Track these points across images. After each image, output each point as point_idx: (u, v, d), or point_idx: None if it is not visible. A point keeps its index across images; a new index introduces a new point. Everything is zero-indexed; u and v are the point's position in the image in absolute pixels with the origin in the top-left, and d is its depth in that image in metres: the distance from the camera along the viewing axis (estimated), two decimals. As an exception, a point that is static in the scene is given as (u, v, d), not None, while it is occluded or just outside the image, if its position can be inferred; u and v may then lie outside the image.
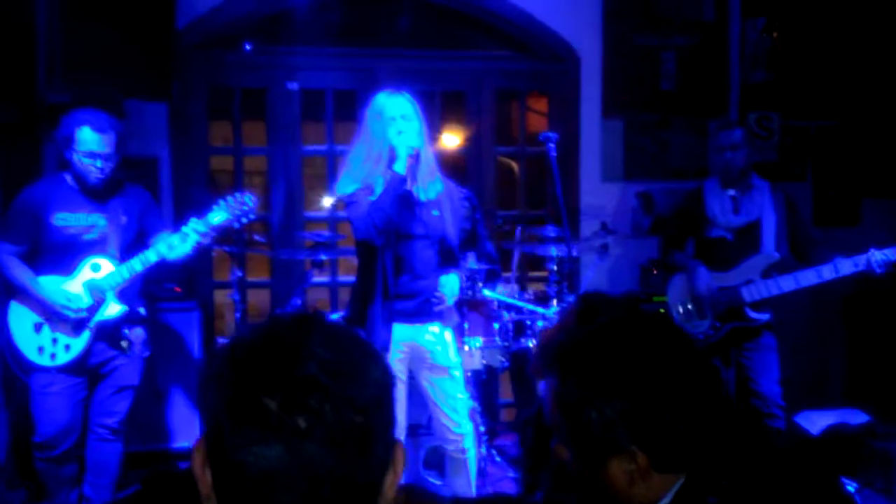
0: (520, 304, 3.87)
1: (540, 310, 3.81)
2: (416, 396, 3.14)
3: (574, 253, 3.76)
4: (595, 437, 1.09)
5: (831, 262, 3.43)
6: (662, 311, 3.98)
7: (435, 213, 2.94)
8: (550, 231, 3.97)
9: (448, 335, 3.03)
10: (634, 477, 1.08)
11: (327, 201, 4.76)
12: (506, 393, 4.76)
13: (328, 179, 4.80)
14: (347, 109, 4.75)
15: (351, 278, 4.85)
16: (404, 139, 2.79)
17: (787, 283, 3.50)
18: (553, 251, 3.85)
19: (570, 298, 3.75)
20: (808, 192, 4.97)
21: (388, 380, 0.84)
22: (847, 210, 4.98)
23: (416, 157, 2.79)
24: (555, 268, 3.86)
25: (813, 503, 1.23)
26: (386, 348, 2.86)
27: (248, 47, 4.54)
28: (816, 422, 3.83)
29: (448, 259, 2.99)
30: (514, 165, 5.28)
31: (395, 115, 2.84)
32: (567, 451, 1.13)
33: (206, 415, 0.81)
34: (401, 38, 4.82)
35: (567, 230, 3.27)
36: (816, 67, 4.86)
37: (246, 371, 0.78)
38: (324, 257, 3.69)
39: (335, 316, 3.92)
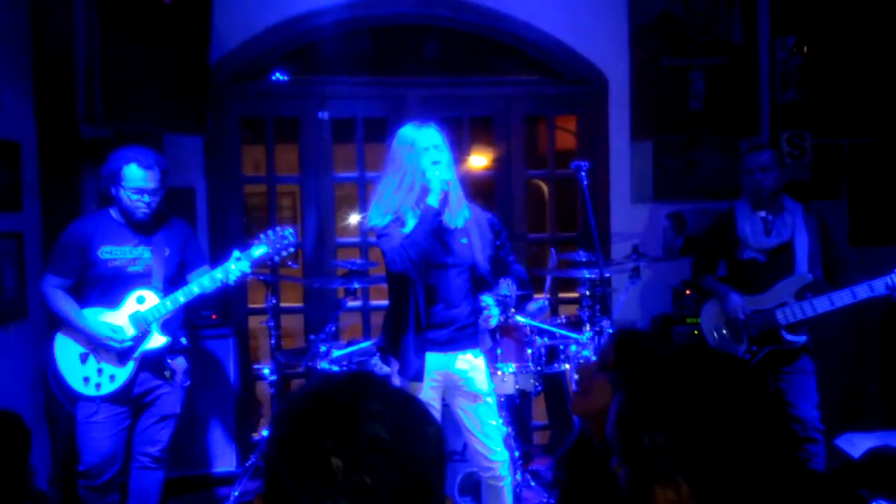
0: (552, 328, 3.88)
1: (573, 335, 3.82)
2: (451, 422, 3.15)
3: (606, 276, 3.76)
4: (645, 461, 1.11)
5: (866, 283, 3.39)
6: (696, 332, 3.96)
7: (464, 240, 2.95)
8: (581, 255, 3.98)
9: (481, 362, 3.03)
10: None
11: (354, 219, 4.82)
12: (539, 416, 4.75)
13: (360, 204, 4.87)
14: (378, 136, 4.82)
15: (382, 303, 4.91)
16: (439, 173, 2.82)
17: (821, 304, 3.46)
18: (585, 275, 3.85)
19: (603, 322, 3.75)
20: (843, 210, 4.91)
21: (441, 437, 0.87)
22: (883, 228, 4.92)
23: (441, 184, 2.82)
24: (587, 292, 3.86)
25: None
26: (420, 378, 2.87)
27: (279, 77, 4.63)
28: (857, 444, 3.76)
29: (479, 286, 2.99)
30: (545, 187, 5.30)
31: (428, 145, 2.87)
32: (622, 468, 1.15)
33: (269, 473, 0.84)
34: (429, 66, 4.88)
35: (599, 254, 3.27)
36: (848, 84, 4.82)
37: (310, 430, 0.81)
38: (356, 285, 3.74)
39: (366, 344, 3.96)
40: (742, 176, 3.73)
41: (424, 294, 2.87)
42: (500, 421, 3.55)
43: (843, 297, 3.43)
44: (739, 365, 1.20)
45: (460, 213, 2.96)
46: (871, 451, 3.60)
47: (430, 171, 2.84)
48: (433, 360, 2.91)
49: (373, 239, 3.00)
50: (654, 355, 1.77)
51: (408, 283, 2.87)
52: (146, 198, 3.11)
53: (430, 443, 0.84)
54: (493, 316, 2.90)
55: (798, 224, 3.61)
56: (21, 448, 1.49)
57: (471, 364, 2.98)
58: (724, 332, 3.67)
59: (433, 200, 2.81)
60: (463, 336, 2.95)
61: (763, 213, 3.64)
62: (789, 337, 3.55)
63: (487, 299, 2.91)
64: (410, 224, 2.86)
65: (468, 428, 3.02)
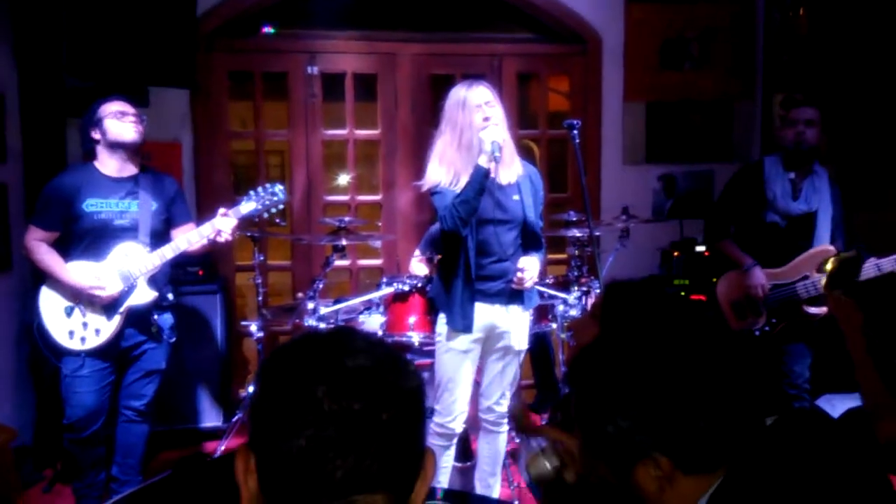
0: (540, 288, 3.87)
1: (561, 294, 3.82)
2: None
3: (595, 235, 3.74)
4: (617, 449, 1.10)
5: (891, 257, 3.20)
6: (682, 293, 3.96)
7: (515, 197, 2.99)
8: (571, 215, 3.97)
9: (526, 317, 3.08)
10: (662, 482, 1.08)
11: (343, 180, 4.78)
12: (526, 375, 4.78)
13: (348, 162, 4.82)
14: (368, 93, 4.76)
15: (370, 261, 4.91)
16: (491, 134, 2.84)
17: None
18: (575, 234, 3.84)
19: (592, 282, 3.75)
20: (834, 173, 4.90)
21: (422, 391, 0.88)
22: (872, 194, 4.92)
23: (501, 150, 2.85)
24: (576, 252, 3.86)
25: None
26: (469, 329, 2.94)
27: (268, 30, 4.54)
28: (837, 405, 3.83)
29: (531, 242, 3.04)
30: (535, 147, 5.26)
31: (480, 101, 2.92)
32: (600, 465, 1.14)
33: (254, 415, 0.84)
34: (421, 22, 4.80)
35: (589, 214, 3.26)
36: (844, 47, 4.78)
37: (294, 368, 0.83)
38: (344, 242, 3.71)
39: (354, 301, 3.95)
40: (782, 130, 3.54)
41: (475, 248, 2.92)
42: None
43: (867, 271, 3.21)
44: (675, 322, 1.19)
45: (512, 170, 3.00)
46: (849, 411, 3.66)
47: (484, 132, 2.86)
48: (481, 311, 2.97)
49: (428, 194, 3.03)
50: (639, 305, 1.77)
51: (459, 238, 2.91)
52: (130, 118, 3.09)
53: (411, 376, 0.86)
54: (525, 278, 2.93)
55: (823, 191, 3.47)
56: None
57: (516, 318, 3.03)
58: (743, 303, 3.52)
59: (483, 160, 2.84)
60: (512, 289, 2.99)
61: (793, 175, 3.47)
62: (812, 310, 3.42)
63: (526, 261, 2.94)
64: (463, 181, 2.89)
65: (491, 377, 3.09)
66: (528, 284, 2.97)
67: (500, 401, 3.11)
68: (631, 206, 4.11)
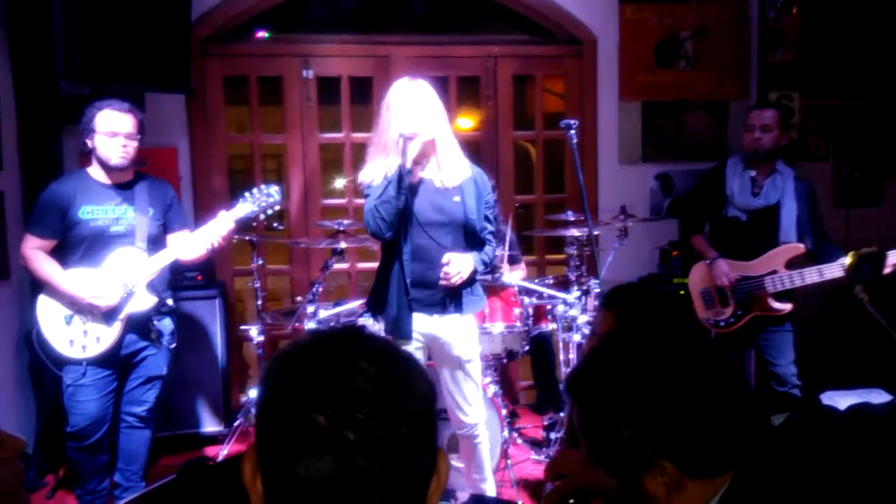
0: (540, 288, 3.88)
1: (560, 294, 3.82)
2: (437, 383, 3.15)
3: (594, 234, 3.75)
4: (623, 458, 1.10)
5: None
6: (682, 292, 3.98)
7: (456, 198, 2.90)
8: (569, 215, 3.97)
9: (468, 323, 2.98)
10: (670, 489, 1.08)
11: (340, 183, 4.77)
12: (526, 376, 4.79)
13: (344, 166, 4.82)
14: (364, 96, 4.76)
15: (369, 264, 4.90)
16: (399, 126, 2.77)
17: (811, 275, 3.47)
18: (574, 233, 3.85)
19: (591, 282, 3.76)
20: (829, 172, 4.93)
21: (432, 392, 0.86)
22: (869, 190, 4.94)
23: (410, 143, 2.74)
24: (574, 252, 3.86)
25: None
26: (407, 336, 2.85)
27: (262, 35, 4.54)
28: (839, 402, 3.83)
29: (473, 245, 2.94)
30: (531, 149, 5.27)
31: (402, 102, 2.81)
32: (608, 476, 1.13)
33: (258, 427, 0.83)
34: (416, 24, 4.80)
35: (587, 213, 3.26)
36: (838, 45, 4.80)
37: (295, 386, 0.81)
38: (342, 245, 3.71)
39: (353, 304, 3.95)
40: (742, 132, 3.68)
41: (409, 253, 2.84)
42: (487, 381, 3.56)
43: (833, 270, 3.44)
44: (673, 336, 1.18)
45: (453, 171, 2.90)
46: (851, 408, 3.67)
47: (394, 126, 2.79)
48: (419, 320, 2.89)
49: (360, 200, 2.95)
50: (641, 297, 1.78)
51: (392, 242, 2.83)
52: (121, 140, 3.03)
53: (415, 398, 0.83)
54: (450, 274, 2.79)
55: (787, 189, 3.59)
56: None
57: (456, 326, 2.93)
58: (711, 294, 3.69)
59: (401, 157, 2.76)
60: (449, 297, 2.89)
61: (753, 173, 3.63)
62: (776, 304, 3.57)
63: (455, 257, 2.82)
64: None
65: (448, 388, 3.01)
66: (454, 280, 2.81)
67: (465, 410, 3.00)
68: (628, 205, 4.12)
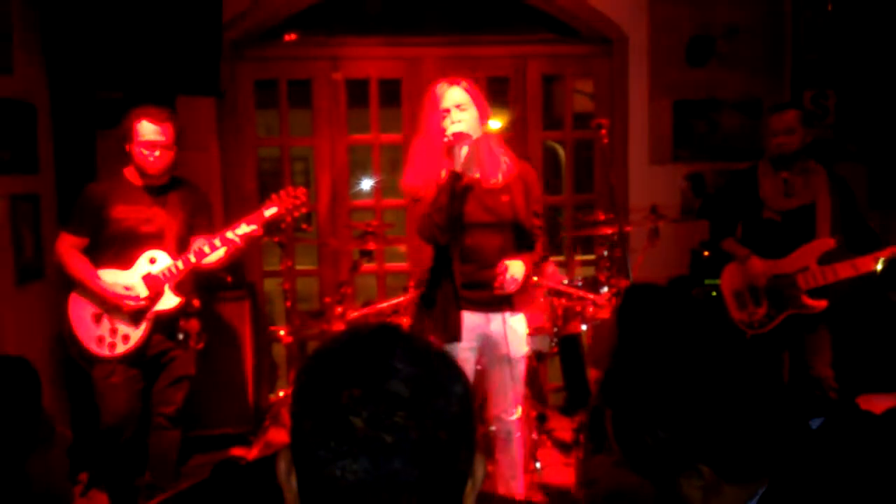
0: (569, 289, 3.84)
1: (590, 295, 3.78)
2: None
3: (625, 233, 3.71)
4: (659, 461, 1.08)
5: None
6: (714, 293, 3.92)
7: (505, 198, 2.87)
8: (599, 215, 3.93)
9: (518, 323, 2.97)
10: (706, 492, 1.06)
11: (367, 185, 4.78)
12: (555, 378, 4.75)
13: (373, 168, 4.83)
14: (393, 98, 4.76)
15: (397, 266, 4.91)
16: (448, 128, 2.76)
17: (844, 270, 3.40)
18: (604, 233, 3.81)
19: (621, 283, 3.71)
20: (864, 172, 4.81)
21: (469, 395, 0.85)
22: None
23: (461, 146, 2.74)
24: (605, 252, 3.82)
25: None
26: (457, 338, 2.83)
27: (291, 36, 4.57)
28: (877, 404, 3.74)
29: (522, 243, 2.92)
30: (560, 150, 5.23)
31: (449, 105, 2.79)
32: (643, 479, 1.12)
33: (294, 427, 0.83)
34: (445, 25, 4.80)
35: (618, 213, 3.22)
36: (874, 43, 4.69)
37: (331, 388, 0.80)
38: (372, 246, 3.71)
39: (382, 305, 3.95)
40: (766, 138, 3.64)
41: (460, 254, 2.83)
42: (523, 382, 3.53)
43: (867, 263, 3.36)
44: (708, 341, 1.16)
45: (500, 171, 2.87)
46: (890, 411, 3.57)
47: (448, 130, 2.77)
48: (470, 320, 2.87)
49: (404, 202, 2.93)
50: (658, 305, 1.75)
51: (442, 245, 2.83)
52: (157, 152, 3.09)
53: (452, 399, 0.82)
54: (505, 282, 2.79)
55: (819, 186, 3.52)
56: (32, 389, 1.51)
57: (507, 325, 2.91)
58: (744, 294, 3.62)
59: (455, 161, 2.75)
60: (500, 296, 2.87)
61: (785, 174, 3.56)
62: (810, 301, 3.50)
63: (509, 264, 2.81)
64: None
65: (495, 385, 3.00)
66: (510, 288, 2.81)
67: (508, 409, 3.00)
68: (660, 205, 4.06)
